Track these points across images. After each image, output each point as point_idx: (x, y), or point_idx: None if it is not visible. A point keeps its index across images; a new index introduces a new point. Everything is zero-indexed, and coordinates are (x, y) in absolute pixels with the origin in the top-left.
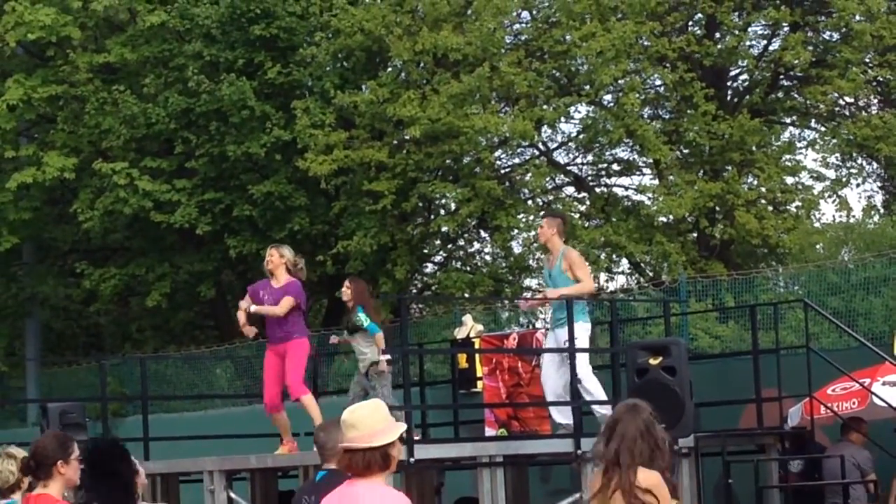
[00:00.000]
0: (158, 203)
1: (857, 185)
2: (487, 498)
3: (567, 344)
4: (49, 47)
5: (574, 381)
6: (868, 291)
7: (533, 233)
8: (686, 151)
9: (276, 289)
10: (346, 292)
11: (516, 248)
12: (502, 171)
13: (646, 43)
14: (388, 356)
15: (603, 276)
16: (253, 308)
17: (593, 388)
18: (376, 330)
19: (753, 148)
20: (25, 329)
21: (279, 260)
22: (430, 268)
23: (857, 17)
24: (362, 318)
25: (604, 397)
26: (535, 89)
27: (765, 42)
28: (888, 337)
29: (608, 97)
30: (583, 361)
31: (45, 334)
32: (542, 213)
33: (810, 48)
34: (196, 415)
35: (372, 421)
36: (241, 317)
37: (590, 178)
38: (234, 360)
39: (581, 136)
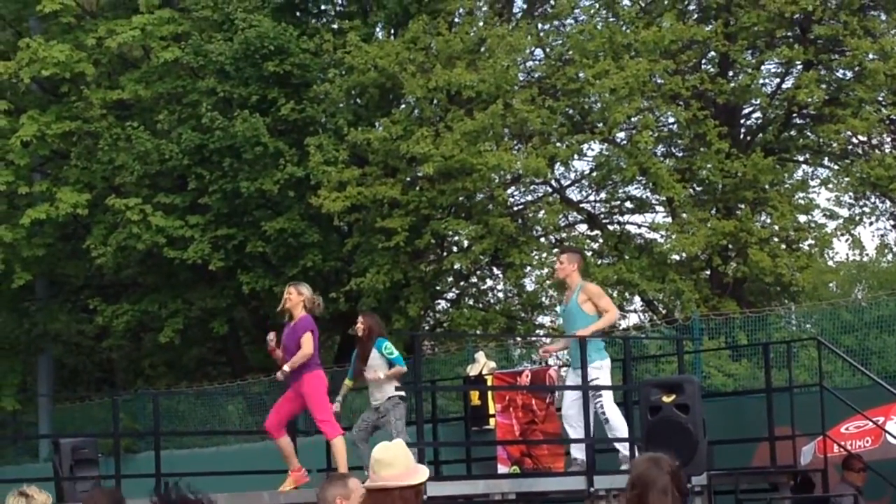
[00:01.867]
0: (171, 239)
1: (871, 224)
2: None
3: (591, 383)
4: (63, 84)
5: (588, 416)
6: (881, 330)
7: (546, 270)
8: (699, 189)
9: (291, 327)
10: (359, 327)
11: (529, 286)
12: (515, 209)
13: (659, 81)
14: (402, 392)
15: (617, 314)
16: (286, 368)
17: (618, 424)
18: (401, 362)
19: (767, 186)
20: (38, 365)
21: (297, 298)
22: (442, 305)
23: (871, 56)
24: (387, 350)
25: (626, 434)
26: (548, 127)
27: (778, 80)
28: None
29: (621, 135)
30: (608, 398)
31: (58, 370)
32: (557, 249)
33: (824, 87)
34: (208, 451)
35: (406, 459)
36: (273, 343)
37: (603, 215)
38: (246, 396)
39: (594, 174)
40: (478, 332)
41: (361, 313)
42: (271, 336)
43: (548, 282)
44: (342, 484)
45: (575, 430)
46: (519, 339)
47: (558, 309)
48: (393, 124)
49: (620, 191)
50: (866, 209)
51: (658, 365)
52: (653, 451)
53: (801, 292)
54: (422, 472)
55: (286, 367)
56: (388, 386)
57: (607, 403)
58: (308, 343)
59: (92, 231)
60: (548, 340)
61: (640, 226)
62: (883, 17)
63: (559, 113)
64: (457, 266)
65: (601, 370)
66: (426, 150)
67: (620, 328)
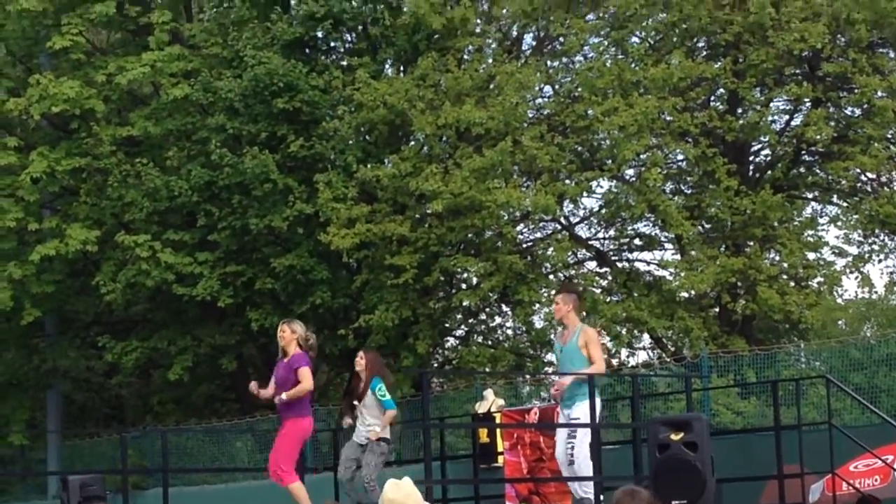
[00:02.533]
0: (181, 276)
1: (880, 262)
2: None
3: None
4: (73, 120)
5: (597, 455)
6: (891, 368)
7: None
8: (708, 226)
9: (285, 363)
10: (359, 363)
11: (538, 323)
12: (524, 246)
13: (668, 118)
14: (388, 437)
15: (625, 352)
16: (283, 397)
17: (584, 468)
18: (392, 406)
19: (775, 223)
20: (47, 401)
21: (291, 336)
22: (451, 342)
23: (880, 94)
24: (379, 392)
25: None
26: (557, 164)
27: (787, 117)
28: None
29: (630, 172)
30: (586, 440)
31: (67, 406)
32: (556, 289)
33: (832, 124)
34: (217, 488)
35: (417, 497)
36: (256, 389)
37: (612, 252)
38: (255, 433)
39: (603, 211)
40: (486, 369)
41: (363, 349)
42: (254, 385)
43: (556, 319)
44: None
45: (566, 470)
46: (528, 376)
47: (554, 346)
48: (402, 161)
49: (629, 228)
50: (875, 247)
51: (667, 402)
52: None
53: (810, 330)
54: None
55: (283, 396)
56: (376, 423)
57: (581, 446)
58: (308, 378)
59: (101, 268)
60: (556, 378)
61: (648, 263)
62: (891, 54)
63: (568, 150)
64: (466, 303)
65: (587, 412)
66: (435, 187)
67: (629, 366)
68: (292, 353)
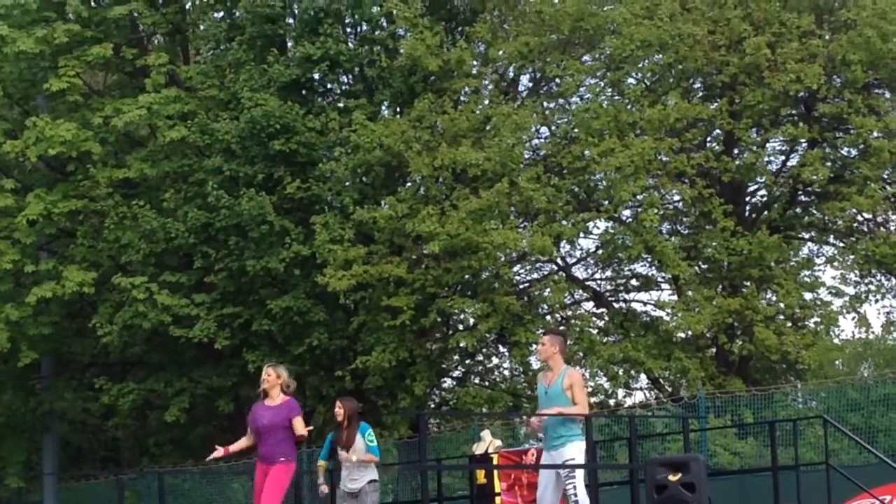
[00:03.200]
0: (177, 317)
1: (876, 301)
2: None
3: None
4: (70, 162)
5: (595, 496)
6: (888, 408)
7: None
8: (705, 267)
9: (274, 407)
10: (339, 412)
11: (535, 364)
12: (521, 287)
13: (664, 159)
14: (377, 478)
15: (621, 392)
16: (355, 458)
17: None
18: (378, 454)
19: (772, 264)
20: (43, 443)
21: (276, 380)
22: (448, 383)
23: (876, 134)
24: (369, 437)
25: None
26: (553, 205)
27: (783, 158)
28: None
29: (627, 213)
30: (581, 480)
31: (64, 448)
32: (542, 330)
33: (828, 164)
34: None
35: None
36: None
37: (608, 293)
38: (251, 474)
39: (600, 252)
40: (483, 410)
41: (340, 399)
42: (219, 451)
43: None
44: None
45: None
46: (525, 417)
47: (538, 388)
48: (398, 202)
49: (626, 268)
50: (872, 287)
51: (664, 443)
52: None
53: (806, 370)
54: None
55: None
56: (369, 471)
57: (580, 485)
58: (300, 425)
59: (98, 309)
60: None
61: (645, 303)
62: (887, 95)
63: (564, 191)
64: (462, 344)
65: (581, 452)
66: (432, 228)
67: (626, 406)
68: (280, 400)
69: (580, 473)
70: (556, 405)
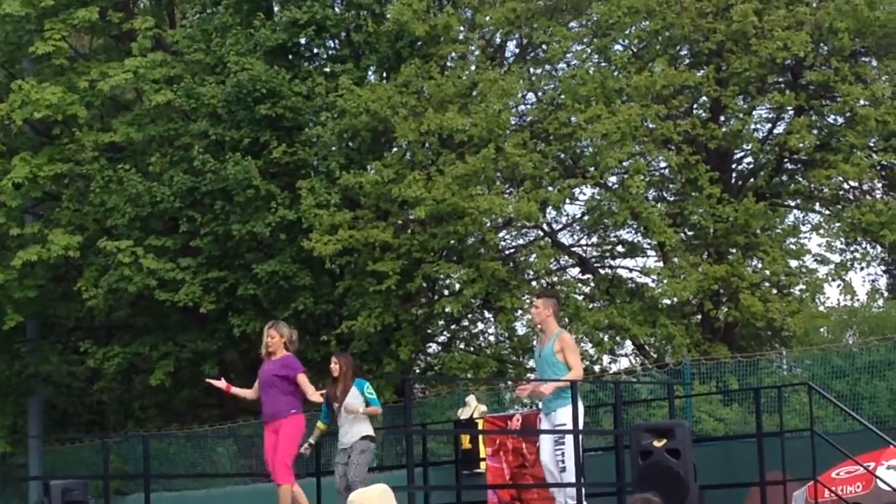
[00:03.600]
0: (163, 281)
1: (862, 269)
2: None
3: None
4: (55, 126)
5: (578, 460)
6: (872, 375)
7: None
8: (691, 234)
9: (275, 361)
10: (335, 368)
11: (520, 330)
12: (507, 253)
13: (651, 125)
14: (372, 434)
15: (606, 358)
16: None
17: (572, 478)
18: (378, 404)
19: (758, 231)
20: (28, 406)
21: (279, 340)
22: (433, 348)
23: (862, 102)
24: (368, 391)
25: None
26: (540, 171)
27: (769, 126)
28: (893, 420)
29: (613, 179)
30: (569, 449)
31: (48, 412)
32: (535, 294)
33: (815, 132)
34: (198, 493)
35: (389, 496)
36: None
37: (594, 259)
38: (236, 438)
39: (586, 218)
40: (469, 375)
41: (335, 354)
42: (222, 383)
43: (539, 326)
44: None
45: (554, 476)
46: (510, 382)
47: (535, 350)
48: (385, 168)
49: (612, 235)
50: (857, 255)
51: (649, 409)
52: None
53: (792, 337)
54: None
55: (315, 397)
56: (362, 425)
57: (568, 452)
58: (312, 389)
59: (83, 273)
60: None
61: (631, 270)
62: (874, 63)
63: (551, 157)
64: (448, 310)
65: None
66: (418, 193)
67: (611, 372)
68: (282, 355)
69: (570, 440)
70: (547, 368)
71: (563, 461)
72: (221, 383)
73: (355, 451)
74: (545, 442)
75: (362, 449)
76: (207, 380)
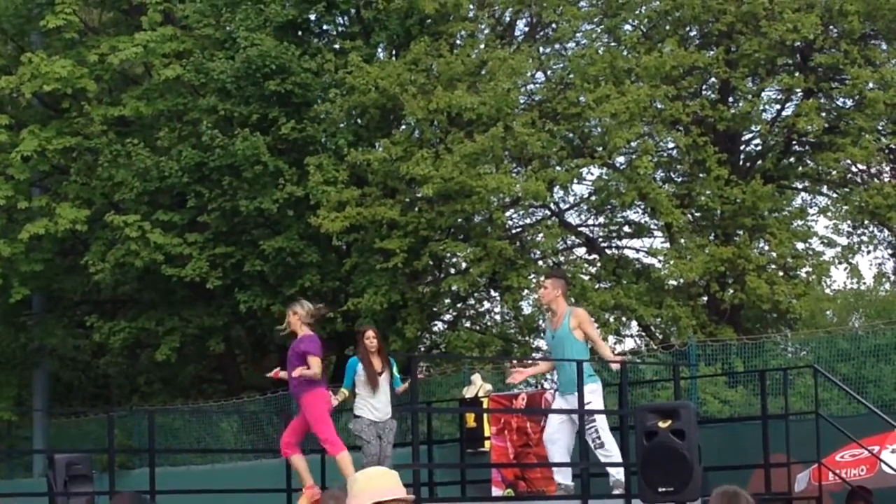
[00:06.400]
0: (169, 256)
1: (868, 253)
2: None
3: (586, 407)
4: (64, 99)
5: (585, 440)
6: (878, 359)
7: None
8: (698, 215)
9: (296, 341)
10: (374, 342)
11: (526, 309)
12: (514, 232)
13: (659, 106)
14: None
15: (612, 339)
16: (295, 374)
17: (613, 449)
18: (400, 385)
19: (765, 213)
20: (33, 379)
21: (296, 319)
22: (439, 326)
23: (871, 85)
24: (396, 370)
25: (619, 459)
26: (548, 150)
27: (778, 108)
28: None
29: (621, 159)
30: (603, 422)
31: (53, 385)
32: (543, 274)
33: (823, 115)
34: (203, 468)
35: (390, 478)
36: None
37: (601, 239)
38: (241, 414)
39: (593, 198)
40: (474, 354)
41: (370, 327)
42: (277, 373)
43: (545, 306)
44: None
45: (558, 454)
46: (515, 362)
47: (546, 334)
48: (393, 145)
49: (619, 215)
50: (864, 238)
51: (654, 390)
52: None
53: (798, 320)
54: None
55: (295, 373)
56: (390, 404)
57: (602, 428)
58: (315, 364)
59: (90, 247)
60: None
61: (638, 251)
62: (884, 46)
63: (559, 137)
64: (454, 288)
65: (594, 394)
66: (426, 171)
67: (616, 353)
68: (302, 334)
69: (601, 416)
70: (566, 347)
71: (599, 438)
72: (277, 373)
73: (390, 427)
74: (560, 421)
75: (392, 426)
76: (269, 374)
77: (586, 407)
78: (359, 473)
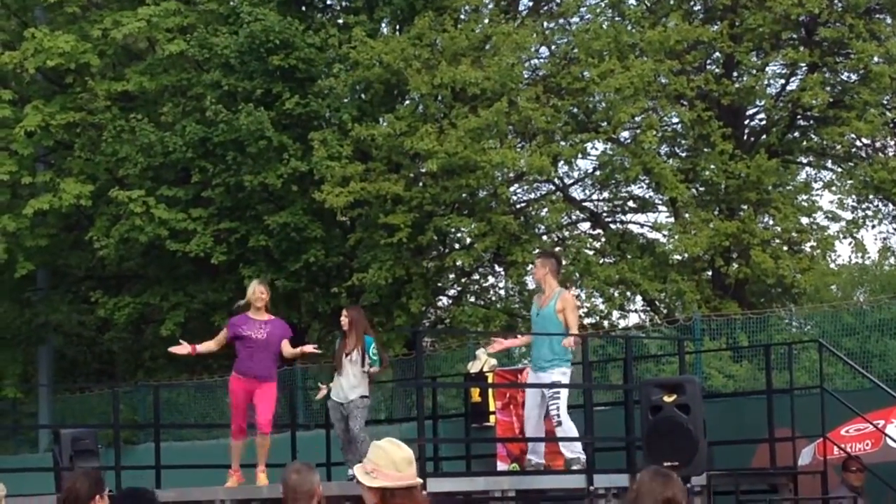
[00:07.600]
0: (174, 232)
1: (873, 227)
2: None
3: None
4: (68, 74)
5: (589, 414)
6: (882, 333)
7: None
8: (702, 190)
9: (271, 322)
10: (345, 321)
11: (530, 284)
12: (518, 207)
13: (664, 81)
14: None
15: (616, 314)
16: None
17: (569, 428)
18: (378, 365)
19: (770, 188)
20: (38, 355)
21: (267, 297)
22: (444, 301)
23: (876, 59)
24: (372, 351)
25: (575, 435)
26: (552, 125)
27: (783, 82)
28: None
29: (625, 134)
30: (563, 404)
31: (58, 361)
32: (535, 253)
33: (828, 89)
34: (208, 443)
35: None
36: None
37: (605, 214)
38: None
39: (597, 173)
40: (479, 329)
41: (346, 307)
42: (186, 348)
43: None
44: (314, 471)
45: (534, 430)
46: (519, 336)
47: (533, 308)
48: (397, 120)
49: (623, 190)
50: (869, 212)
51: (659, 365)
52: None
53: (802, 294)
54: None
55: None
56: (361, 386)
57: (562, 406)
58: (289, 349)
59: (95, 222)
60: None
61: (642, 225)
62: (889, 20)
63: (563, 111)
64: (459, 263)
65: (565, 376)
66: (430, 146)
67: (621, 327)
68: (268, 317)
69: (563, 395)
70: (547, 327)
71: (558, 416)
72: (184, 349)
73: (354, 406)
74: (533, 399)
75: (358, 405)
76: (170, 349)
77: (573, 383)
78: (384, 443)
